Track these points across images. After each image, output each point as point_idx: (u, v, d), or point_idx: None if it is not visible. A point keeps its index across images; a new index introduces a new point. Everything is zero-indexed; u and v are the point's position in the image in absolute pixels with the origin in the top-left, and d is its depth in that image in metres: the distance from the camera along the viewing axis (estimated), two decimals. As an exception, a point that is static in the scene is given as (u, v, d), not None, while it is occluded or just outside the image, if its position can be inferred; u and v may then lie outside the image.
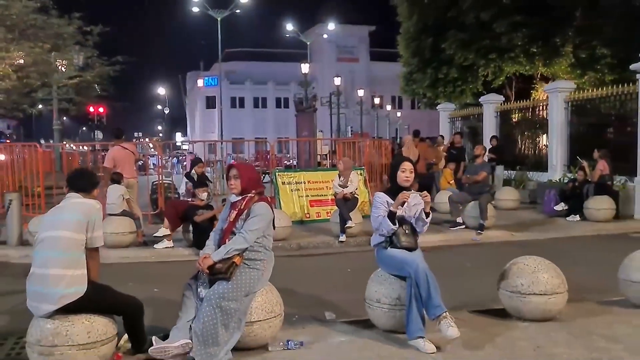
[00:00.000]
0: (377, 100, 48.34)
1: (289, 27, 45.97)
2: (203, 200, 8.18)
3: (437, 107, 20.61)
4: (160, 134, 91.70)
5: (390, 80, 33.48)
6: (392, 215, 4.25)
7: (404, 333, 4.02)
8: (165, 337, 3.78)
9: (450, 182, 12.53)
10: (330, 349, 4.02)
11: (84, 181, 3.80)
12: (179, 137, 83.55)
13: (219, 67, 40.66)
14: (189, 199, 8.54)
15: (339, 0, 77.86)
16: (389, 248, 4.26)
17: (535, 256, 4.64)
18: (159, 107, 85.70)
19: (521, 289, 4.40)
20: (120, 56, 20.63)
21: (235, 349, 3.78)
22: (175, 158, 37.88)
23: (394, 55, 26.12)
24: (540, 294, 4.36)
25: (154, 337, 3.70)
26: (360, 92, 44.89)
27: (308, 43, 46.62)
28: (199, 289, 3.88)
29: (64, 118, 21.97)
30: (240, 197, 4.05)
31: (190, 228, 8.24)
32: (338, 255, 8.37)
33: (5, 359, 4.21)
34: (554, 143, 13.44)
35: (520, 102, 16.49)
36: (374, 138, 46.62)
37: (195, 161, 9.32)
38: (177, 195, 10.79)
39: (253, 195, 4.01)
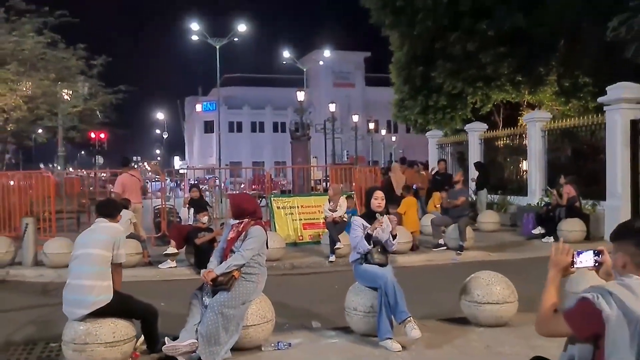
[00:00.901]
0: (371, 125, 49.35)
1: (286, 54, 47.19)
2: (204, 223, 8.94)
3: (426, 134, 21.44)
4: (158, 158, 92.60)
5: (385, 105, 34.49)
6: (368, 237, 5.04)
7: (377, 336, 4.78)
8: (175, 339, 4.52)
9: (437, 206, 13.27)
10: (314, 349, 4.76)
11: (110, 208, 4.61)
12: (177, 161, 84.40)
13: (217, 92, 41.66)
14: (192, 223, 9.29)
15: (335, 27, 79.71)
16: (364, 264, 5.04)
17: (490, 271, 5.42)
18: (158, 131, 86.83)
19: (477, 299, 5.17)
20: (123, 85, 21.46)
21: (233, 349, 4.54)
22: (173, 182, 38.58)
23: (389, 80, 27.07)
24: (494, 303, 5.12)
25: (166, 338, 4.44)
26: (355, 118, 45.89)
27: (304, 70, 47.79)
28: (203, 298, 4.63)
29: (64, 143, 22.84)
30: (237, 222, 4.83)
31: (192, 249, 8.98)
32: (328, 274, 9.10)
33: (37, 360, 4.94)
34: (533, 169, 14.27)
35: (502, 130, 17.37)
36: (369, 163, 47.40)
37: (190, 187, 10.12)
38: (178, 219, 11.53)
39: (249, 219, 4.79)
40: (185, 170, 53.67)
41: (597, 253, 2.65)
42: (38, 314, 6.71)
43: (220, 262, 4.71)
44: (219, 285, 4.54)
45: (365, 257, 5.04)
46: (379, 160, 55.57)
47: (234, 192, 10.29)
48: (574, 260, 2.65)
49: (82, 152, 71.88)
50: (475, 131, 17.54)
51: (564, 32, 19.07)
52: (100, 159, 34.69)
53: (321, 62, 59.19)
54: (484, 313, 5.15)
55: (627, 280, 2.29)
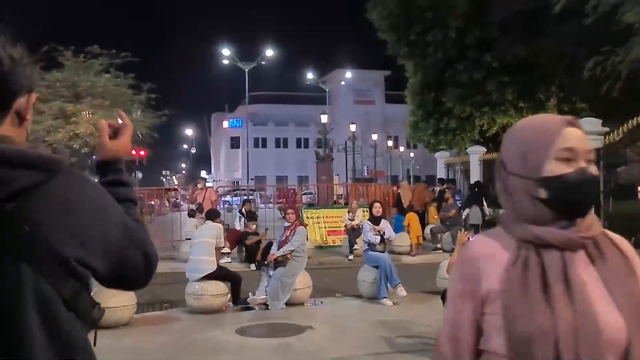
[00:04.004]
0: (390, 143, 51.91)
1: (310, 75, 50.08)
2: (252, 229, 11.67)
3: (435, 155, 23.92)
4: (183, 172, 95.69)
5: (404, 121, 36.51)
6: (381, 239, 7.75)
7: (377, 299, 7.42)
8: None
9: (435, 217, 15.70)
10: (337, 305, 7.47)
11: (213, 215, 7.39)
12: (203, 174, 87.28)
13: (243, 109, 44.31)
14: (242, 228, 12.05)
15: (356, 46, 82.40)
16: (370, 252, 7.72)
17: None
18: (185, 146, 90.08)
19: (446, 277, 7.78)
20: (167, 110, 24.27)
21: (287, 303, 7.23)
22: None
23: (407, 98, 29.14)
24: (456, 279, 7.72)
25: (249, 293, 7.17)
26: (375, 136, 48.51)
27: (327, 90, 50.60)
28: (269, 271, 7.36)
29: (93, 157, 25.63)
30: (290, 224, 7.56)
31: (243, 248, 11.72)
32: (347, 269, 11.67)
33: (158, 311, 7.67)
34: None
35: (498, 152, 19.77)
36: (388, 178, 49.56)
37: (244, 201, 12.94)
38: (227, 225, 14.24)
39: (297, 222, 7.53)
40: (212, 185, 56.52)
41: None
42: (144, 290, 9.45)
43: (278, 249, 7.42)
44: (278, 263, 7.27)
45: (371, 247, 7.72)
46: (398, 175, 58.01)
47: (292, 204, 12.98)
48: (469, 239, 5.33)
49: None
50: (476, 153, 20.04)
51: (561, 62, 21.17)
52: (139, 174, 37.69)
53: (342, 82, 61.81)
54: (450, 285, 7.75)
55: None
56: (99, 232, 1.19)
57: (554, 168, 1.25)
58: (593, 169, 1.29)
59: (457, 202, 15.81)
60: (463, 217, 13.36)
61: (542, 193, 1.25)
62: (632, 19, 13.72)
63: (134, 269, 1.28)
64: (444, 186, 16.77)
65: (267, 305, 7.13)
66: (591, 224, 1.26)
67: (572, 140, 1.29)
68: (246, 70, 39.95)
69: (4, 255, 1.08)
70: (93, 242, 1.18)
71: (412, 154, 63.69)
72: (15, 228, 1.09)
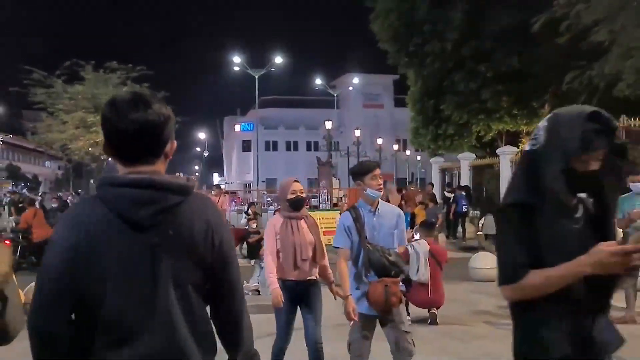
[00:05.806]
0: (395, 147, 53.02)
1: (318, 81, 51.32)
2: (254, 228, 13.09)
3: (430, 160, 25.17)
4: (196, 174, 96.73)
5: (412, 126, 37.34)
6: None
7: (354, 287, 8.85)
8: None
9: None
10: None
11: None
12: (216, 177, 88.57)
13: (255, 113, 45.24)
14: (246, 227, 13.49)
15: (365, 51, 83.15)
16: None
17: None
18: (198, 149, 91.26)
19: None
20: (181, 114, 25.75)
21: (276, 290, 8.63)
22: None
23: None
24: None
25: (244, 281, 8.58)
26: (380, 140, 49.63)
27: (335, 95, 51.80)
28: (261, 263, 8.76)
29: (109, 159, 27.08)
30: (280, 223, 9.00)
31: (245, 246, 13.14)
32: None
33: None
34: (504, 190, 18.01)
35: (484, 159, 21.06)
36: (395, 182, 50.51)
37: (250, 204, 14.44)
38: (232, 226, 15.69)
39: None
40: (224, 186, 57.78)
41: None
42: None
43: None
44: (269, 256, 8.69)
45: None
46: (405, 178, 59.16)
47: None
48: (413, 236, 6.73)
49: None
50: (466, 160, 21.29)
51: (554, 72, 21.98)
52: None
53: (351, 88, 62.72)
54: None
55: (420, 241, 6.36)
56: (216, 239, 1.57)
57: (289, 196, 4.61)
58: (303, 194, 4.74)
59: (464, 206, 17.18)
60: (480, 225, 14.55)
61: (288, 205, 4.63)
62: (603, 37, 14.98)
63: (229, 288, 1.63)
64: (429, 190, 18.11)
65: (259, 292, 8.56)
66: (303, 211, 4.70)
67: (295, 187, 4.66)
68: (256, 77, 40.90)
69: (156, 249, 1.44)
70: (209, 246, 1.56)
71: (418, 157, 64.62)
72: (165, 232, 1.46)
